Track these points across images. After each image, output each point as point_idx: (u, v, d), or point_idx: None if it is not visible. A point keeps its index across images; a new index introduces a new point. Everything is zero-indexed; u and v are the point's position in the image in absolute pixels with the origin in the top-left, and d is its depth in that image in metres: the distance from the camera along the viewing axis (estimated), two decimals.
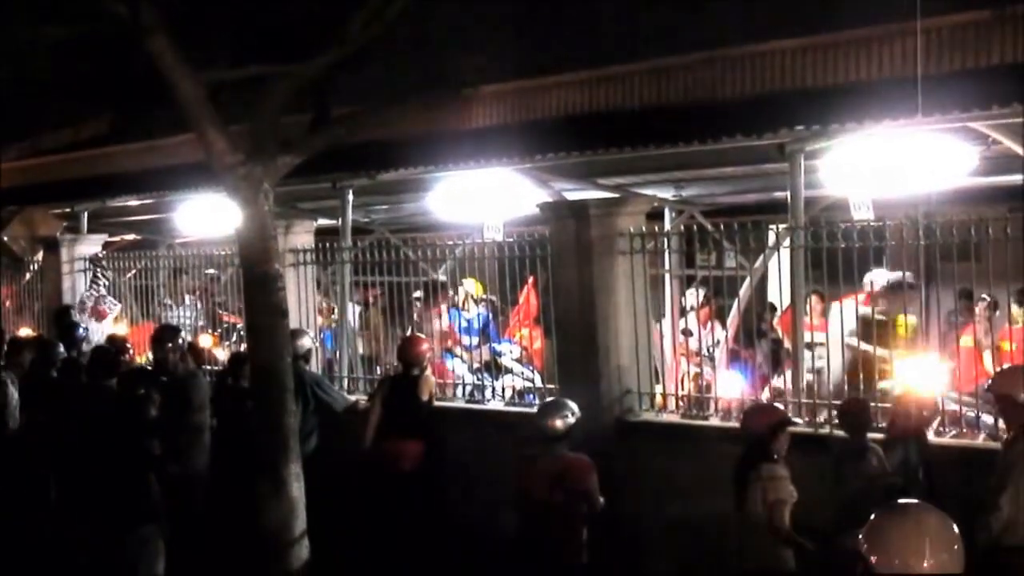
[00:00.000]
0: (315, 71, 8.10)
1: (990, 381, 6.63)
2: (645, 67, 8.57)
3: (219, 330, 12.35)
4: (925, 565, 2.83)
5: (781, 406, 7.40)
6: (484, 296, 11.01)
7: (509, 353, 10.63)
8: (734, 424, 8.01)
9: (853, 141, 7.69)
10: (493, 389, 9.81)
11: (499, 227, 10.49)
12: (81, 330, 11.72)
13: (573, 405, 7.28)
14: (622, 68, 8.70)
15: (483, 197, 10.24)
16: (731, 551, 6.62)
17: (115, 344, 10.53)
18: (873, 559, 2.86)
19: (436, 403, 9.32)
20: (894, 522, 2.91)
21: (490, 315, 11.16)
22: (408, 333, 10.14)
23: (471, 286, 10.88)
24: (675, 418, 8.53)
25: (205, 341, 11.40)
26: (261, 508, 7.74)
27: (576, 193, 10.12)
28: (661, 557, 8.12)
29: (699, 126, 8.05)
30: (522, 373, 10.27)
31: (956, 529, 2.92)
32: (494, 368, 10.42)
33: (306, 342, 9.66)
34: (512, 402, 9.61)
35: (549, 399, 7.79)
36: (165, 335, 9.87)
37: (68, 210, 14.07)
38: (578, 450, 7.16)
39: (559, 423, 7.12)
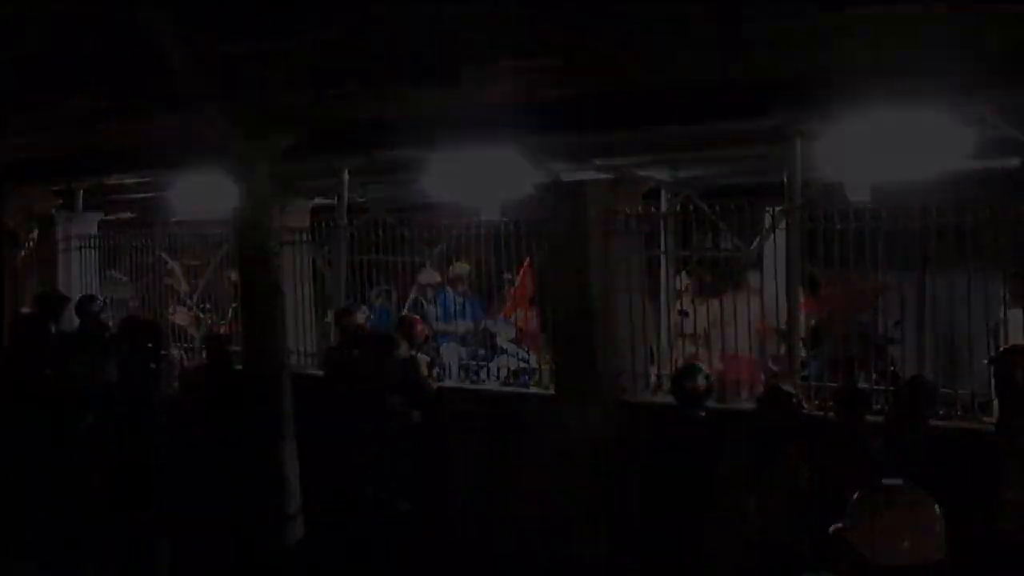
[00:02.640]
0: (314, 49, 8.08)
1: (996, 357, 6.61)
2: (645, 48, 8.54)
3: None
4: (906, 546, 2.82)
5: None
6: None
7: (504, 334, 10.61)
8: (728, 406, 8.03)
9: (851, 123, 7.67)
10: (488, 369, 9.79)
11: (496, 207, 10.44)
12: (98, 303, 11.62)
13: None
14: (622, 49, 8.66)
15: (480, 177, 10.20)
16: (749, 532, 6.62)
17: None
18: (854, 540, 2.85)
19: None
20: (876, 503, 2.90)
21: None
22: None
23: (463, 270, 10.77)
24: (670, 399, 8.51)
25: (182, 319, 11.31)
26: (255, 486, 7.76)
27: (573, 174, 10.07)
28: None
29: (697, 107, 8.03)
30: (517, 354, 10.26)
31: (939, 511, 2.91)
32: (488, 348, 10.39)
33: (359, 317, 9.61)
34: (506, 382, 9.59)
35: (688, 363, 7.92)
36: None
37: (64, 187, 14.01)
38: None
39: (696, 384, 7.32)
